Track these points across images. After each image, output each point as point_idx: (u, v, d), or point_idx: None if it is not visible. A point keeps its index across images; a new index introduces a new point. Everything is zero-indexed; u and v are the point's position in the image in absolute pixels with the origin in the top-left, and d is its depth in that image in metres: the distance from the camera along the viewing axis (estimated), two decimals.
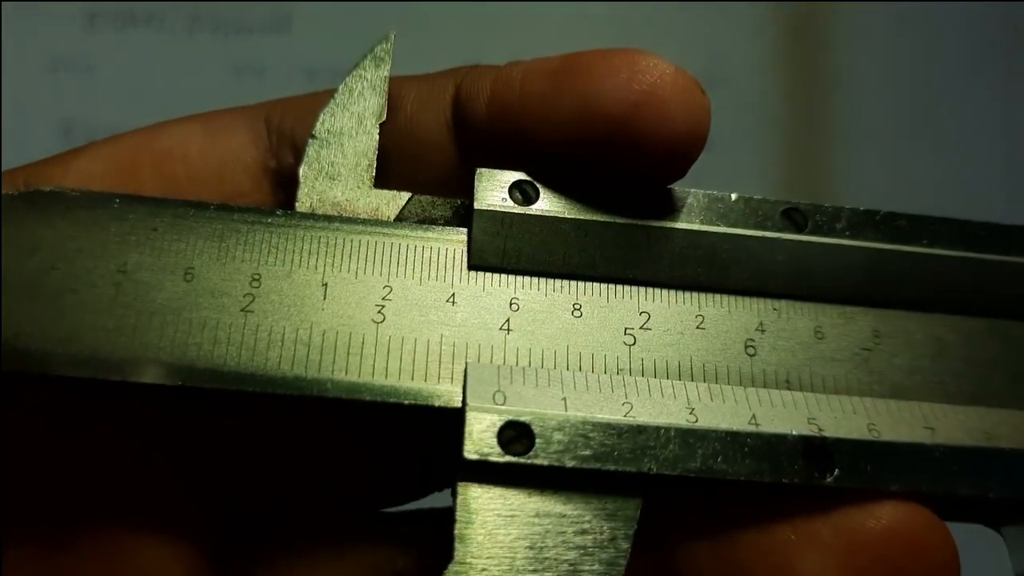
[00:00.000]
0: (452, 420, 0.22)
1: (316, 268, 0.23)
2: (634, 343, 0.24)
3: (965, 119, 0.71)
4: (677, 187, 0.25)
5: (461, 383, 0.22)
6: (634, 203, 0.25)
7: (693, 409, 0.23)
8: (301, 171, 0.25)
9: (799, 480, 0.22)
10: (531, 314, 0.24)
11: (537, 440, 0.21)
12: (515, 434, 0.22)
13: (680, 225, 0.25)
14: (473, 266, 0.24)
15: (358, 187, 0.25)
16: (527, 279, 0.24)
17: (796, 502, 0.22)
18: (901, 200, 0.73)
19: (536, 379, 0.23)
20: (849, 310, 0.25)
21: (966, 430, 0.23)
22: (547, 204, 0.24)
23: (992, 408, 0.24)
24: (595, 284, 0.24)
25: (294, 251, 0.23)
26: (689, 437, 0.22)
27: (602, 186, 0.25)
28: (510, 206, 0.24)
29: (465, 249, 0.24)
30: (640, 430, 0.22)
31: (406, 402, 0.22)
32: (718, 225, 0.25)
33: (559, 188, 0.25)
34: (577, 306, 0.24)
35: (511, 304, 0.24)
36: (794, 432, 0.22)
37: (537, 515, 0.21)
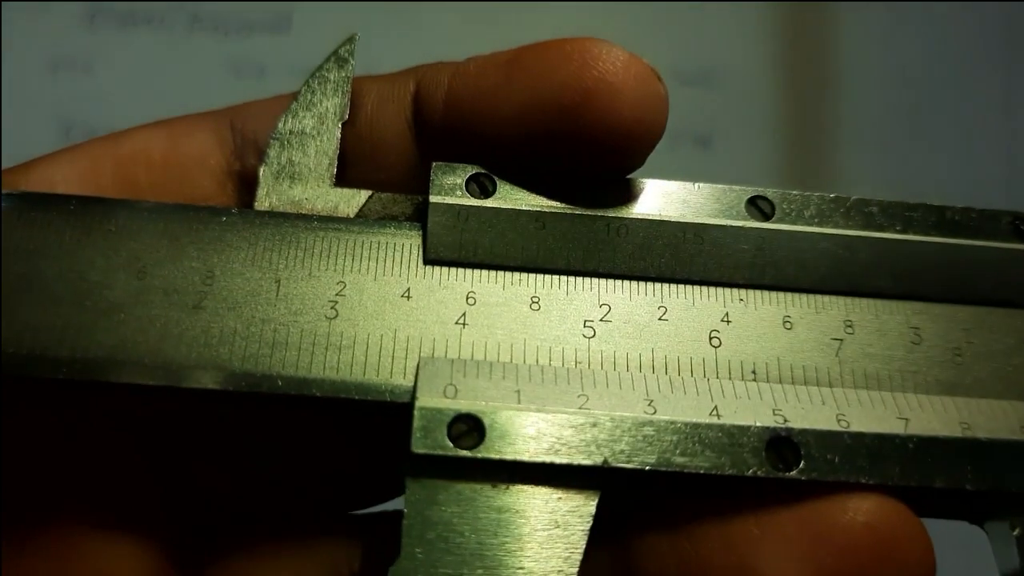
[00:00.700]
0: (403, 415, 0.22)
1: (269, 265, 0.23)
2: (593, 335, 0.23)
3: (965, 118, 0.71)
4: (638, 177, 0.25)
5: (414, 378, 0.22)
6: (593, 194, 0.24)
7: (652, 401, 0.22)
8: (261, 171, 0.25)
9: (762, 473, 0.21)
10: (488, 308, 0.23)
11: (488, 433, 0.21)
12: (466, 428, 0.21)
13: (640, 215, 0.24)
14: (429, 260, 0.24)
15: (318, 186, 0.25)
16: (484, 272, 0.24)
17: (761, 496, 0.22)
18: (900, 199, 0.73)
19: (490, 372, 0.22)
20: (820, 299, 0.24)
21: (942, 420, 0.23)
22: (504, 196, 0.24)
23: (970, 398, 0.23)
24: (554, 277, 0.24)
25: (247, 248, 0.23)
26: (645, 429, 0.22)
27: (561, 178, 0.24)
28: (466, 199, 0.24)
29: (421, 244, 0.24)
30: (594, 423, 0.22)
31: (356, 397, 0.22)
32: (680, 214, 0.24)
33: (517, 181, 0.24)
34: (535, 299, 0.24)
35: (467, 298, 0.23)
36: (757, 423, 0.22)
37: (489, 509, 0.21)
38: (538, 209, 0.24)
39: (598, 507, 0.21)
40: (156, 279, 0.22)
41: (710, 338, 0.24)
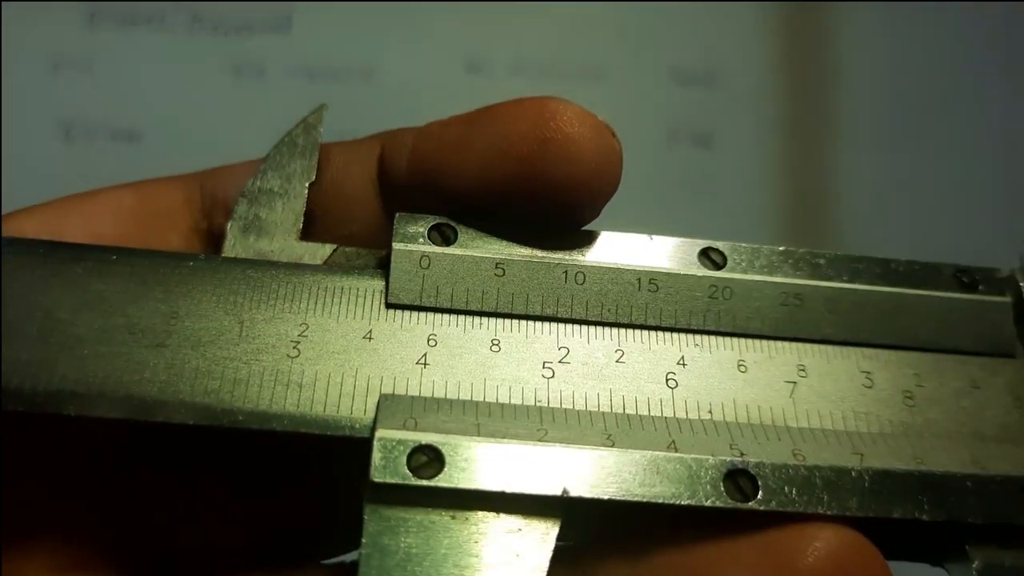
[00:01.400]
0: (363, 451, 0.22)
1: (234, 307, 0.24)
2: (553, 376, 0.24)
3: (965, 119, 0.71)
4: (594, 228, 0.26)
5: (374, 414, 0.22)
6: (552, 243, 0.25)
7: (610, 435, 0.22)
8: (228, 225, 0.26)
9: (720, 503, 0.22)
10: (449, 349, 0.24)
11: (448, 463, 0.21)
12: (426, 459, 0.21)
13: (598, 263, 0.25)
14: (391, 304, 0.24)
15: (284, 239, 0.26)
16: (445, 316, 0.24)
17: (721, 527, 0.22)
18: (901, 200, 0.73)
19: (451, 408, 0.23)
20: (773, 344, 0.25)
21: (896, 456, 0.23)
22: (465, 244, 0.25)
23: (923, 436, 0.24)
24: (514, 320, 0.25)
25: (212, 291, 0.24)
26: (604, 460, 0.22)
27: (521, 228, 0.25)
28: (428, 246, 0.25)
29: (383, 289, 0.24)
30: (554, 453, 0.22)
31: (316, 432, 0.22)
32: (635, 263, 0.25)
33: (479, 231, 0.25)
34: (495, 341, 0.24)
35: (428, 340, 0.24)
36: (715, 457, 0.22)
37: (448, 539, 0.21)
38: (498, 256, 0.25)
39: (559, 536, 0.22)
40: (121, 318, 0.23)
41: (667, 380, 0.24)
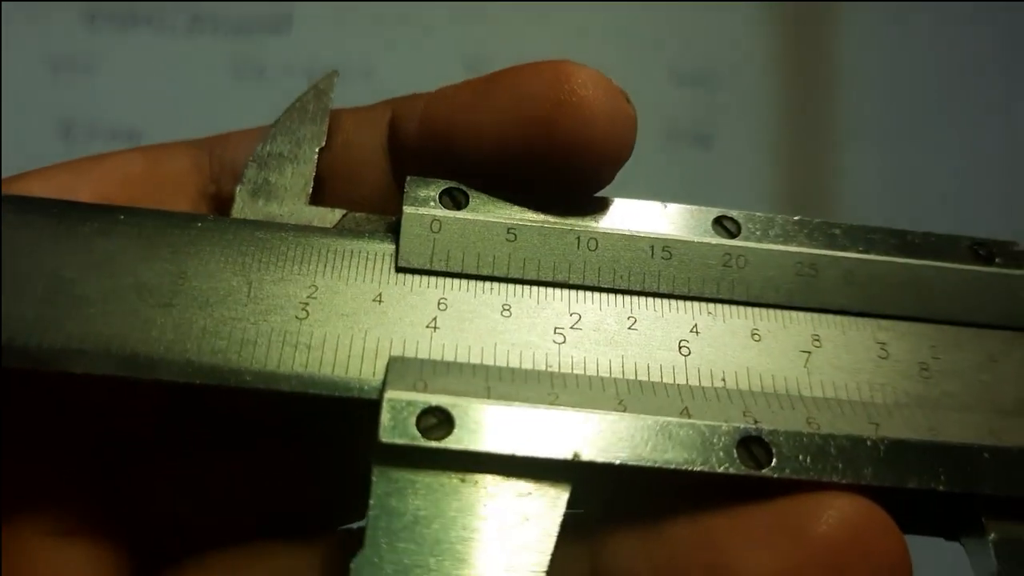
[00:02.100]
0: (372, 412, 0.22)
1: (242, 268, 0.23)
2: (564, 341, 0.24)
3: (965, 119, 0.71)
4: (608, 194, 0.26)
5: (383, 376, 0.22)
6: (565, 209, 0.25)
7: (622, 400, 0.22)
8: (237, 188, 0.26)
9: (733, 470, 0.21)
10: (459, 313, 0.24)
11: (457, 425, 0.21)
12: (435, 421, 0.21)
13: (611, 229, 0.25)
14: (400, 268, 0.24)
15: (293, 204, 0.26)
16: (456, 280, 0.24)
17: (733, 495, 0.21)
18: (900, 199, 0.73)
19: (461, 371, 0.22)
20: (787, 314, 0.25)
21: (912, 426, 0.23)
22: (476, 208, 0.25)
23: (940, 408, 0.24)
24: (525, 286, 0.24)
25: (221, 252, 0.24)
26: (616, 425, 0.22)
27: (533, 194, 0.25)
28: (439, 210, 0.25)
29: (393, 253, 0.24)
30: (565, 417, 0.22)
31: (324, 393, 0.22)
32: (648, 230, 0.25)
33: (490, 196, 0.25)
34: (506, 306, 0.24)
35: (439, 304, 0.24)
36: (728, 423, 0.22)
37: (456, 501, 0.21)
38: (510, 221, 0.25)
39: (569, 502, 0.21)
40: (128, 278, 0.23)
41: (679, 347, 0.24)
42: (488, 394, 0.22)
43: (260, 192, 0.26)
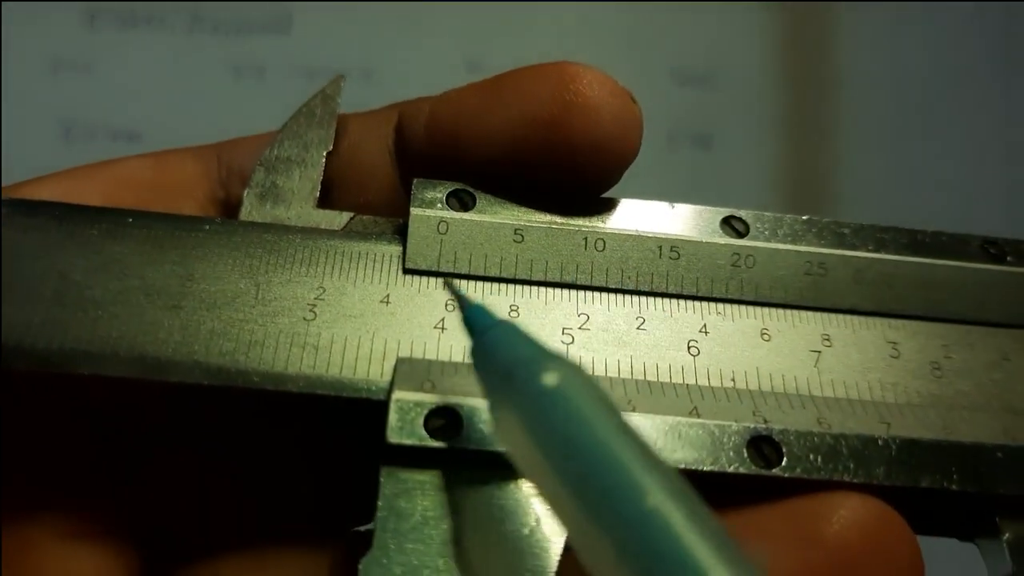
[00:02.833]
0: (381, 413, 0.22)
1: (249, 270, 0.23)
2: (572, 342, 0.24)
3: (965, 119, 0.72)
4: (614, 196, 0.26)
5: (391, 376, 0.22)
6: (572, 210, 0.25)
7: (631, 401, 0.22)
8: (245, 192, 0.26)
9: (744, 469, 0.21)
10: None
11: (465, 425, 0.21)
12: (443, 422, 0.21)
13: (618, 230, 0.25)
14: (408, 270, 0.24)
15: (301, 207, 0.26)
16: (463, 282, 0.24)
17: (743, 497, 0.21)
18: (901, 199, 0.73)
19: (469, 372, 0.22)
20: (797, 314, 0.25)
21: (924, 425, 0.23)
22: (483, 210, 0.25)
23: (952, 407, 0.24)
24: (533, 287, 0.24)
25: (228, 254, 0.24)
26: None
27: (540, 195, 0.25)
28: (446, 212, 0.25)
29: (401, 255, 0.24)
30: None
31: (332, 393, 0.22)
32: (655, 231, 0.25)
33: (497, 197, 0.25)
34: (514, 307, 0.24)
35: (446, 305, 0.24)
36: (738, 423, 0.22)
37: (465, 502, 0.21)
38: (517, 222, 0.25)
39: None
40: (136, 280, 0.23)
41: (688, 347, 0.24)
42: None
43: (268, 196, 0.26)
